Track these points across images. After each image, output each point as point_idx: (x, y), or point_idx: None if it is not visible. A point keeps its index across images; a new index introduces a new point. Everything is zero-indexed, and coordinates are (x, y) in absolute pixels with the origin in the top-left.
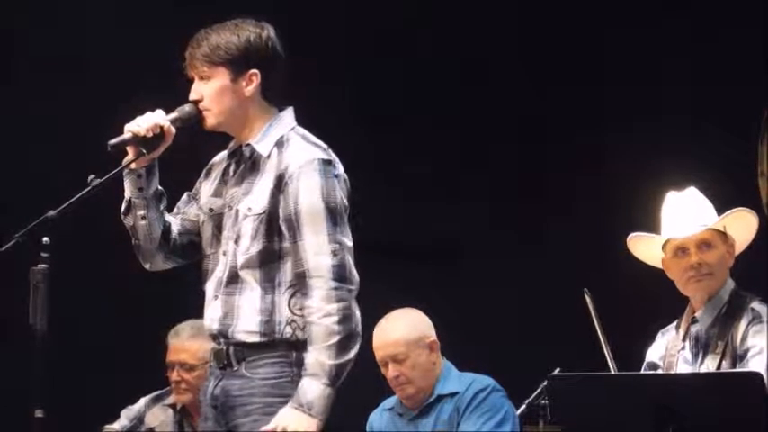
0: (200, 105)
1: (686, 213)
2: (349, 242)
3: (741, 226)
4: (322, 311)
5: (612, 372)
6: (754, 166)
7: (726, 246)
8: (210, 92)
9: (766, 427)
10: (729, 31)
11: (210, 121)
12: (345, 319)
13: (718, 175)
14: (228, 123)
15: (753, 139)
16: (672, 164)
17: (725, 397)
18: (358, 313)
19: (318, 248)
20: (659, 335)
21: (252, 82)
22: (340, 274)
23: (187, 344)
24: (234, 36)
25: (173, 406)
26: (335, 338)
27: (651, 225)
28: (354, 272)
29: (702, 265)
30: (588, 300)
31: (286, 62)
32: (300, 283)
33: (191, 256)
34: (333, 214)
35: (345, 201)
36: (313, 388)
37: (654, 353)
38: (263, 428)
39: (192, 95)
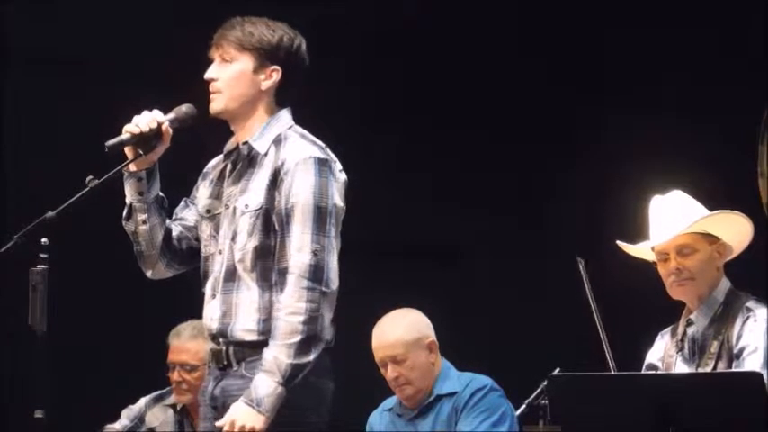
0: (212, 86)
1: (666, 218)
2: (335, 244)
3: (732, 229)
4: (289, 309)
5: (603, 337)
6: (754, 166)
7: (713, 247)
8: (229, 74)
9: (766, 427)
10: (730, 31)
11: (218, 104)
12: (311, 320)
13: (717, 176)
14: (234, 112)
15: (753, 139)
16: (672, 164)
17: (725, 397)
18: (328, 317)
19: (300, 246)
20: (659, 337)
21: (271, 77)
22: (316, 275)
23: (188, 344)
24: (269, 30)
25: (173, 406)
26: (297, 338)
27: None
28: (334, 275)
29: (683, 270)
30: (581, 269)
31: (306, 73)
32: (282, 280)
33: (191, 261)
34: (321, 214)
35: (341, 202)
36: (265, 385)
37: (653, 355)
38: (218, 423)
39: (209, 74)
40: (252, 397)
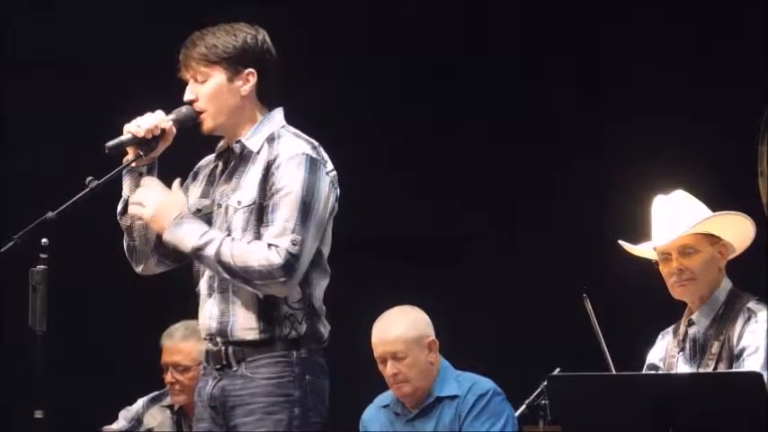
0: (196, 106)
1: (668, 218)
2: (314, 243)
3: (733, 230)
4: (264, 250)
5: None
6: (754, 166)
7: (715, 248)
8: (207, 92)
9: (766, 427)
10: (730, 31)
11: (208, 123)
12: (261, 275)
13: (717, 176)
14: (226, 125)
15: (753, 139)
16: (672, 164)
17: (725, 397)
18: (268, 290)
19: (281, 233)
20: (660, 337)
21: (248, 81)
22: (288, 262)
23: (181, 345)
24: (230, 36)
25: (170, 407)
26: (253, 265)
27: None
28: (301, 273)
29: (684, 271)
30: (587, 304)
31: (281, 64)
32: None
33: (181, 259)
34: (306, 210)
35: (329, 201)
36: (194, 231)
37: (654, 355)
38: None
39: (187, 96)
40: (183, 215)
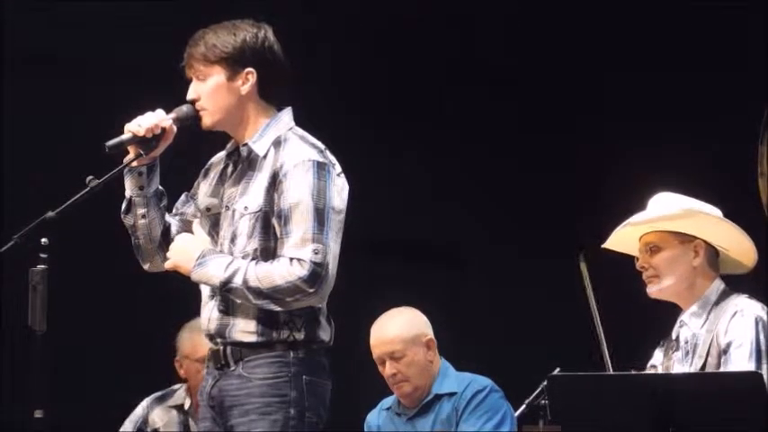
0: (197, 104)
1: (640, 217)
2: (335, 247)
3: (706, 227)
4: (286, 267)
5: (602, 339)
6: (754, 166)
7: (687, 246)
8: (207, 90)
9: (766, 427)
10: (730, 30)
11: (207, 120)
12: (287, 292)
13: (717, 176)
14: (225, 122)
15: (753, 139)
16: (671, 164)
17: (725, 397)
18: (302, 303)
19: (301, 244)
20: (662, 343)
21: (247, 81)
22: (315, 271)
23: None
24: (230, 35)
25: (177, 407)
26: (277, 283)
27: None
28: (330, 279)
29: (647, 268)
30: (582, 264)
31: (284, 62)
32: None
33: None
34: (320, 215)
35: (340, 205)
36: (220, 266)
37: (656, 358)
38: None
39: (190, 95)
40: (205, 255)
